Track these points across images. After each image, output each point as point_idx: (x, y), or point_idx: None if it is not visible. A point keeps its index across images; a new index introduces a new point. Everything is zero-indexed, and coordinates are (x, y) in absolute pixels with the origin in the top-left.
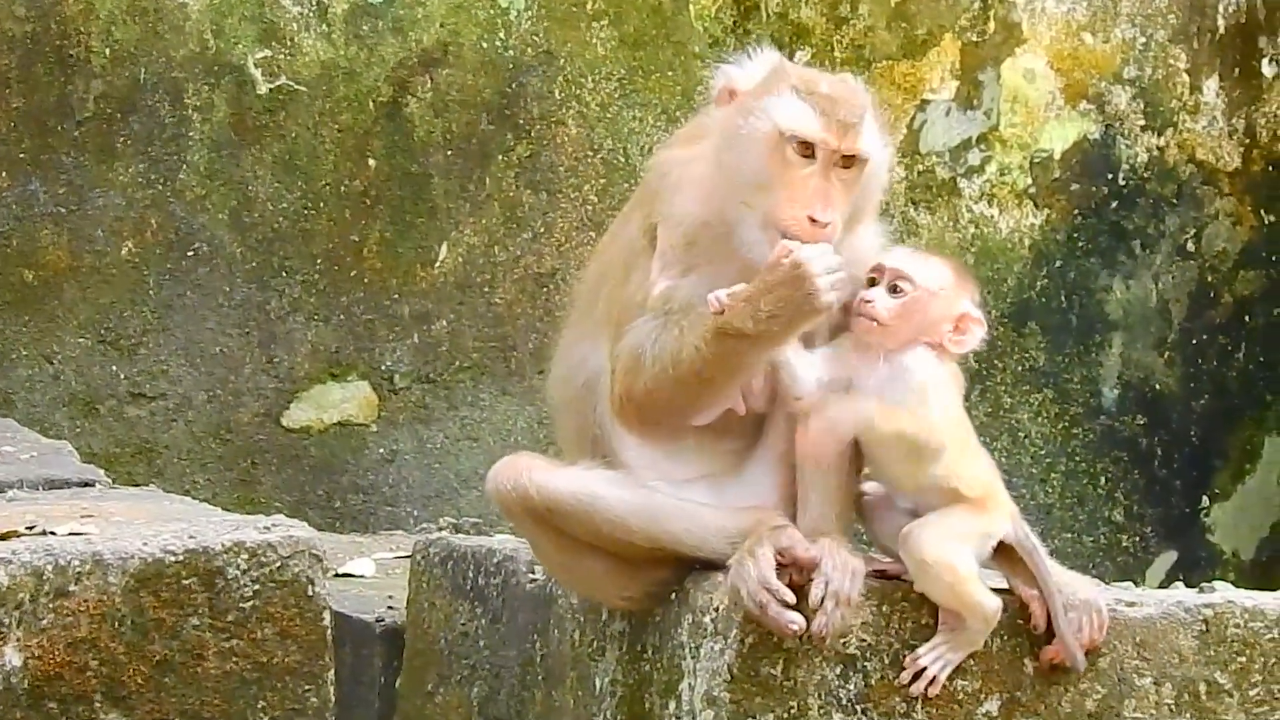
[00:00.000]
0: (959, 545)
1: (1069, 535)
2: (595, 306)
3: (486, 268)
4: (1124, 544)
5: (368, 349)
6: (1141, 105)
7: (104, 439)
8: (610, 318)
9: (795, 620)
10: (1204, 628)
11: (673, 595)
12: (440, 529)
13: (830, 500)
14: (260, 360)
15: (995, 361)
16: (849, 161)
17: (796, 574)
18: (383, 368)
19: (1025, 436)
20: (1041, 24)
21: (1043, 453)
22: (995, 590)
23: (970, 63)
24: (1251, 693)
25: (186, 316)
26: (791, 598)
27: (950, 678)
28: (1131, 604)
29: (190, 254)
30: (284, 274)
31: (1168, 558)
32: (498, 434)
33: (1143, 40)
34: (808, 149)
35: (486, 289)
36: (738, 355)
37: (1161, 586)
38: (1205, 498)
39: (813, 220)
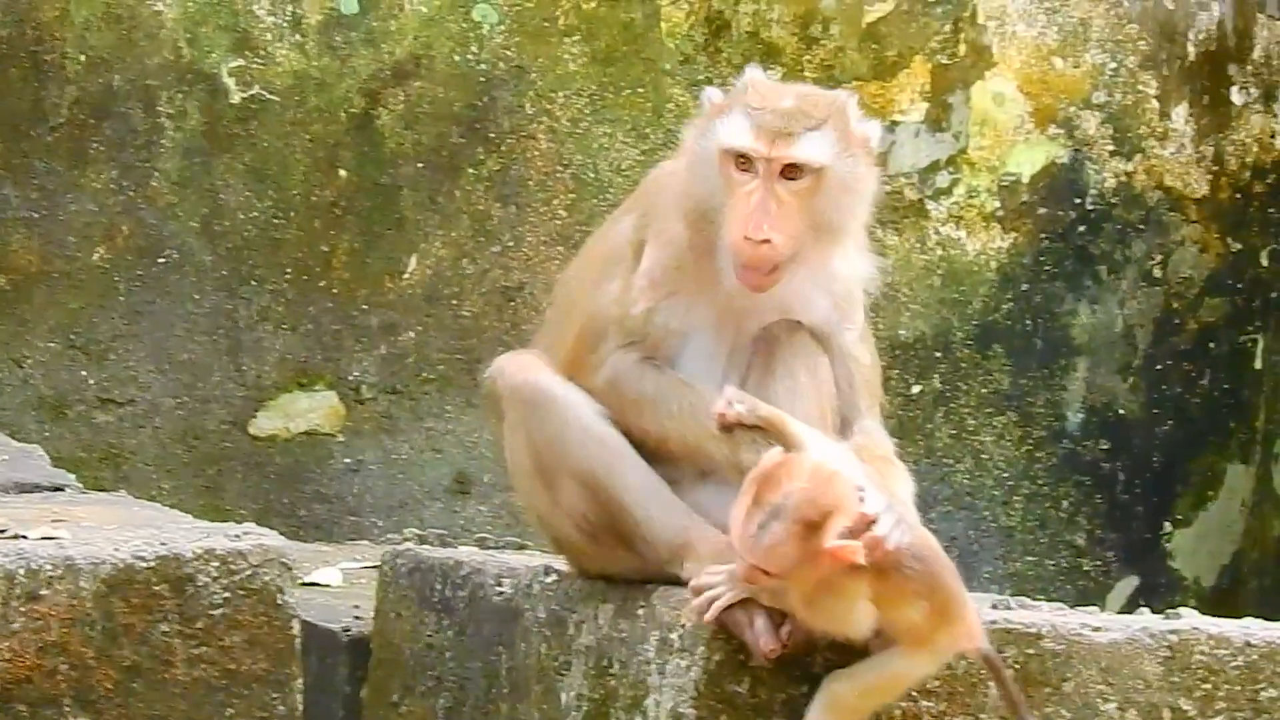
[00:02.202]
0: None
1: (1031, 559)
2: (572, 310)
3: (455, 280)
4: (1086, 568)
5: (335, 359)
6: (1110, 131)
7: (72, 444)
8: (576, 320)
9: (775, 648)
10: (1169, 654)
11: (639, 611)
12: (405, 539)
13: None
14: (228, 368)
15: (959, 384)
16: (793, 172)
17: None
18: (350, 378)
19: (988, 459)
20: (1012, 48)
21: (1005, 476)
22: None
23: (940, 85)
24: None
25: (156, 323)
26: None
27: (914, 698)
28: (1097, 629)
29: (160, 261)
30: (253, 282)
31: (1129, 583)
32: (462, 446)
33: (1113, 66)
34: (746, 162)
35: (454, 301)
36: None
37: (1123, 612)
38: (1167, 523)
39: (750, 240)
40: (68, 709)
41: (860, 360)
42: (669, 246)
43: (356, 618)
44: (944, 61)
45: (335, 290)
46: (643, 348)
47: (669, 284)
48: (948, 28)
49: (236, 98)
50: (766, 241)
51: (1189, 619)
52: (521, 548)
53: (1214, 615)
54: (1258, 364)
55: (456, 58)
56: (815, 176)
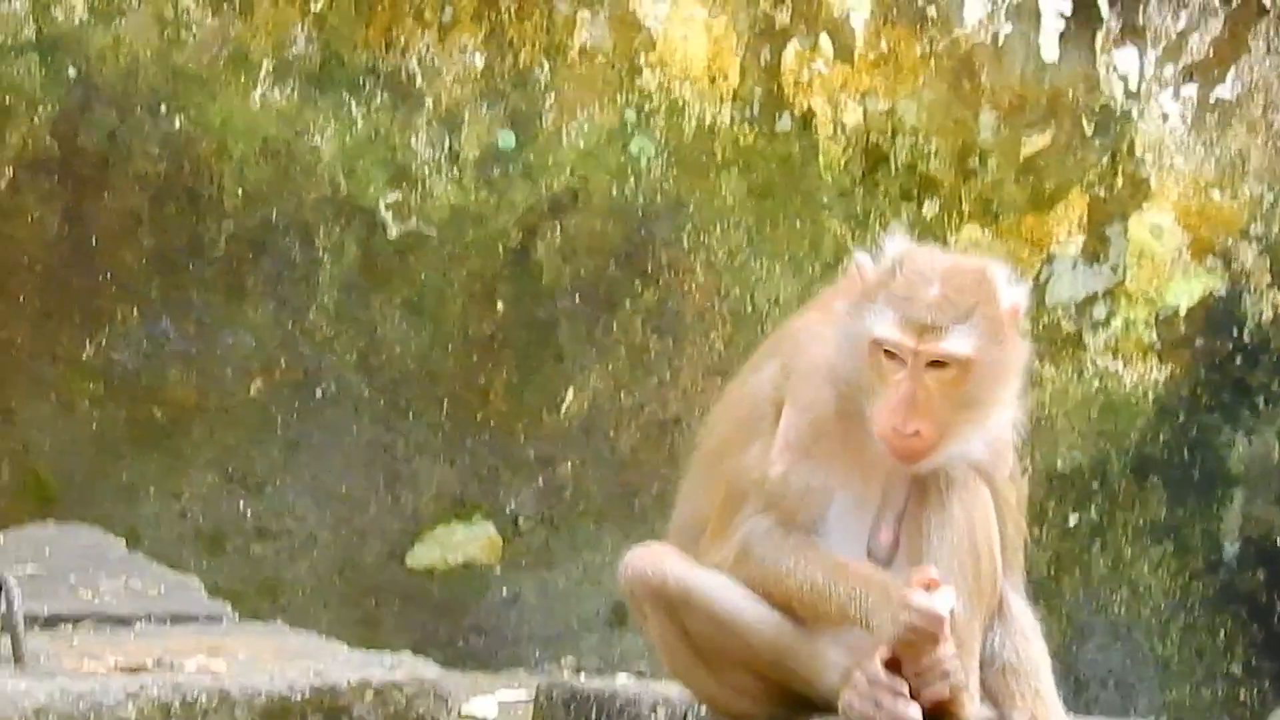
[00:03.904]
0: None
1: (1187, 688)
2: (718, 461)
3: (611, 413)
4: (1242, 698)
5: (492, 491)
6: (1268, 262)
7: (229, 576)
8: (720, 484)
9: (913, 713)
10: None
11: None
12: (562, 670)
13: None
14: (385, 500)
15: (1116, 514)
16: (940, 364)
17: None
18: (507, 510)
19: (1145, 589)
20: (1169, 180)
21: (1162, 606)
22: None
23: (1097, 217)
24: None
25: (313, 456)
26: (905, 689)
27: None
28: None
29: (318, 394)
30: (410, 415)
31: None
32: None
33: (1270, 197)
34: (894, 354)
35: (611, 434)
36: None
37: None
38: None
39: (898, 432)
40: None
41: (1008, 500)
42: (809, 412)
43: None
44: (1101, 194)
45: (492, 423)
46: (780, 510)
47: (807, 447)
48: (1105, 160)
49: (394, 232)
50: (916, 434)
51: None
52: None
53: None
54: None
55: (614, 191)
56: (963, 366)
